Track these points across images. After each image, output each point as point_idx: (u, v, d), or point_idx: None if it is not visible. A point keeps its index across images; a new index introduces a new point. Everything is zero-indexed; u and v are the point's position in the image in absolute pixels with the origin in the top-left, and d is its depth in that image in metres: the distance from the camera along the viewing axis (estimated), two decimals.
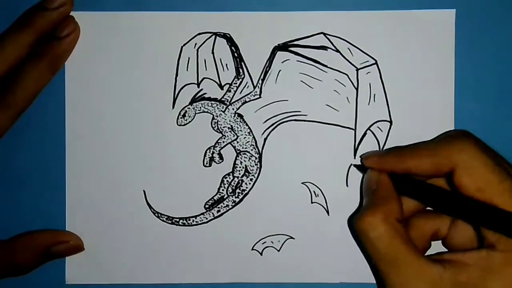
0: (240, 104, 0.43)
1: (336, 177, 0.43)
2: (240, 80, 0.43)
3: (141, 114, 0.43)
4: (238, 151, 0.43)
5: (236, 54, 0.43)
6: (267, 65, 0.43)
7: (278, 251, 0.43)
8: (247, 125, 0.43)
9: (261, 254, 0.43)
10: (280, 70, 0.43)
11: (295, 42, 0.43)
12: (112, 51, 0.43)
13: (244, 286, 0.43)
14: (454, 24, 0.43)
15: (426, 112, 0.43)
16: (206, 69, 0.43)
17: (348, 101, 0.43)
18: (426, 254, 0.39)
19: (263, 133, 0.43)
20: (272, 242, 0.43)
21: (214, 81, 0.43)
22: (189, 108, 0.43)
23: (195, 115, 0.43)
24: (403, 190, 0.38)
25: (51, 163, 0.43)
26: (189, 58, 0.43)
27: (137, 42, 0.43)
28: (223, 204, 0.43)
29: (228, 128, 0.43)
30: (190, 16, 0.43)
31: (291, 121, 0.43)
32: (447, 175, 0.36)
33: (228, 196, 0.43)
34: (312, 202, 0.43)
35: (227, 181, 0.43)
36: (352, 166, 0.43)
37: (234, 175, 0.43)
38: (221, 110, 0.43)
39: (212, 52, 0.43)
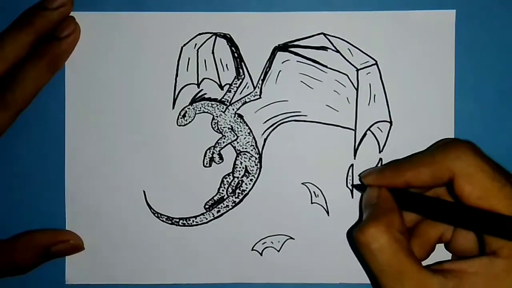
0: (240, 104, 0.43)
1: (336, 178, 0.43)
2: (240, 80, 0.43)
3: (141, 114, 0.43)
4: (238, 152, 0.43)
5: (236, 55, 0.43)
6: (267, 65, 0.43)
7: (278, 251, 0.43)
8: (247, 125, 0.43)
9: (261, 254, 0.43)
10: (280, 71, 0.43)
11: (295, 43, 0.43)
12: (112, 51, 0.43)
13: (244, 286, 0.43)
14: (454, 25, 0.43)
15: (426, 113, 0.43)
16: (206, 70, 0.43)
17: (348, 101, 0.43)
18: (430, 257, 0.39)
19: (263, 134, 0.43)
20: (272, 242, 0.43)
21: (214, 81, 0.43)
22: (189, 108, 0.43)
23: (195, 115, 0.43)
24: (403, 204, 0.38)
25: (51, 163, 0.43)
26: (189, 59, 0.43)
27: (137, 42, 0.43)
28: (223, 204, 0.43)
29: (228, 128, 0.43)
30: (190, 16, 0.43)
31: (291, 121, 0.43)
32: (447, 184, 0.36)
33: (228, 196, 0.43)
34: (312, 203, 0.43)
35: (227, 181, 0.43)
36: (352, 166, 0.43)
37: (234, 175, 0.43)
38: (221, 111, 0.43)
39: (212, 53, 0.43)
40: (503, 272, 0.33)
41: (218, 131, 0.43)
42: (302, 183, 0.43)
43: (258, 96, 0.43)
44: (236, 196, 0.43)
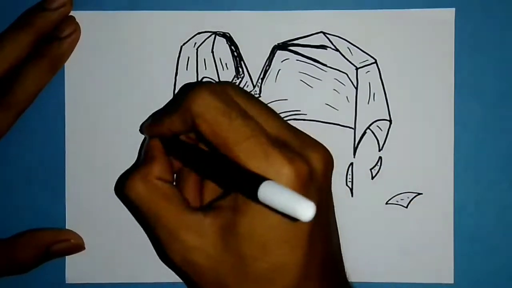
0: None
1: (336, 176, 0.43)
2: (240, 79, 0.43)
3: (141, 113, 0.43)
4: None
5: (235, 53, 0.43)
6: (266, 64, 0.43)
7: None
8: None
9: None
10: (279, 69, 0.43)
11: (295, 41, 0.43)
12: (111, 50, 0.43)
13: None
14: (454, 23, 0.43)
15: (426, 111, 0.43)
16: (205, 69, 0.43)
17: (348, 100, 0.43)
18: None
19: None
20: None
21: (214, 80, 0.43)
22: None
23: None
24: (171, 152, 0.38)
25: (51, 163, 0.43)
26: (188, 58, 0.43)
27: (136, 41, 0.43)
28: None
29: None
30: (189, 15, 0.43)
31: (290, 120, 0.43)
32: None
33: None
34: None
35: None
36: (352, 165, 0.43)
37: None
38: None
39: (212, 51, 0.43)
40: (243, 204, 0.33)
41: None
42: None
43: (257, 95, 0.43)
44: None
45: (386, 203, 0.43)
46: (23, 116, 0.42)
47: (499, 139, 0.43)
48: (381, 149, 0.43)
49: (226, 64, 0.43)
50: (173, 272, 0.43)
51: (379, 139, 0.43)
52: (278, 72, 0.43)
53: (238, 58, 0.43)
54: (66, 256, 0.43)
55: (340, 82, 0.43)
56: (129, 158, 0.43)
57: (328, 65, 0.43)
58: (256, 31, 0.43)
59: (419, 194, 0.43)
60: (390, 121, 0.43)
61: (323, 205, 0.36)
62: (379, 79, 0.43)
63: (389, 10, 0.43)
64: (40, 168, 0.43)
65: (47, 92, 0.43)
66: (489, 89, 0.43)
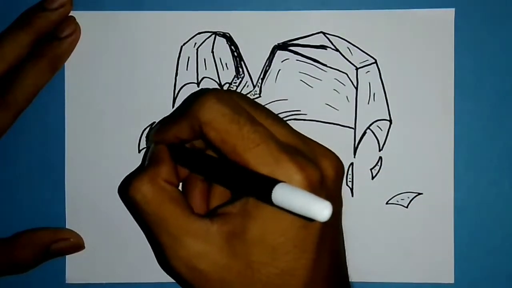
0: None
1: None
2: (240, 79, 0.43)
3: (141, 113, 0.43)
4: None
5: (235, 54, 0.43)
6: (266, 64, 0.43)
7: None
8: None
9: None
10: (279, 70, 0.43)
11: (295, 42, 0.43)
12: (111, 50, 0.43)
13: None
14: (454, 23, 0.43)
15: (426, 111, 0.43)
16: (206, 69, 0.43)
17: (348, 100, 0.43)
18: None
19: None
20: None
21: (214, 80, 0.43)
22: None
23: None
24: (178, 160, 0.38)
25: (51, 163, 0.43)
26: (189, 58, 0.43)
27: (136, 42, 0.43)
28: None
29: None
30: (189, 15, 0.43)
31: (290, 120, 0.43)
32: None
33: None
34: None
35: None
36: (352, 165, 0.43)
37: None
38: None
39: (212, 52, 0.43)
40: (254, 209, 0.33)
41: None
42: None
43: (257, 95, 0.43)
44: None
45: (386, 203, 0.43)
46: (23, 116, 0.42)
47: (499, 139, 0.43)
48: (381, 149, 0.43)
49: (226, 64, 0.43)
50: None
51: (379, 139, 0.43)
52: (278, 72, 0.43)
53: (238, 58, 0.43)
54: (66, 256, 0.43)
55: (340, 82, 0.43)
56: (129, 158, 0.43)
57: (328, 65, 0.43)
58: (256, 31, 0.43)
59: (419, 194, 0.43)
60: (390, 121, 0.43)
61: (333, 211, 0.36)
62: (379, 79, 0.43)
63: (389, 10, 0.43)
64: (40, 168, 0.43)
65: (47, 92, 0.43)
66: (489, 89, 0.43)
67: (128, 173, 0.43)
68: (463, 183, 0.43)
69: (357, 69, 0.43)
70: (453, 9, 0.43)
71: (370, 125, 0.43)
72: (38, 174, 0.43)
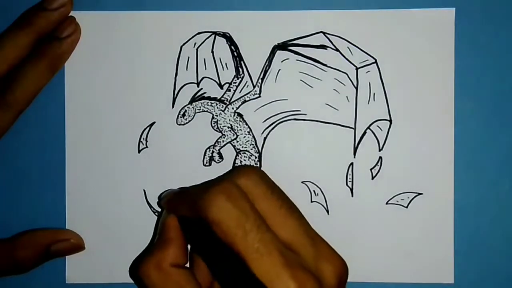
0: (239, 103, 0.43)
1: (336, 176, 0.43)
2: (240, 79, 0.43)
3: (141, 113, 0.43)
4: (238, 150, 0.43)
5: (235, 53, 0.43)
6: (266, 64, 0.43)
7: None
8: (246, 124, 0.43)
9: None
10: (279, 69, 0.43)
11: (295, 41, 0.43)
12: (111, 50, 0.43)
13: None
14: (454, 23, 0.43)
15: (426, 111, 0.43)
16: (205, 69, 0.43)
17: (348, 100, 0.43)
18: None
19: (262, 132, 0.43)
20: None
21: (214, 80, 0.43)
22: (188, 107, 0.43)
23: (195, 114, 0.43)
24: (187, 233, 0.37)
25: (51, 163, 0.43)
26: (188, 58, 0.43)
27: (136, 42, 0.43)
28: None
29: (228, 127, 0.43)
30: (189, 15, 0.43)
31: (290, 120, 0.43)
32: None
33: None
34: (311, 201, 0.43)
35: None
36: (352, 165, 0.43)
37: None
38: (221, 110, 0.43)
39: (212, 51, 0.43)
40: None
41: (218, 130, 0.43)
42: (302, 182, 0.43)
43: (257, 95, 0.43)
44: None
45: (386, 203, 0.43)
46: (23, 116, 0.42)
47: (499, 139, 0.43)
48: (381, 149, 0.43)
49: (226, 64, 0.43)
50: None
51: (379, 139, 0.43)
52: (278, 72, 0.43)
53: (238, 58, 0.43)
54: (66, 256, 0.43)
55: (340, 82, 0.43)
56: (129, 158, 0.43)
57: (328, 65, 0.43)
58: (256, 31, 0.43)
59: (419, 194, 0.43)
60: (390, 121, 0.43)
61: None
62: (379, 79, 0.43)
63: (389, 10, 0.43)
64: (40, 168, 0.43)
65: (47, 92, 0.43)
66: (489, 89, 0.43)
67: (128, 173, 0.43)
68: (463, 183, 0.43)
69: (357, 69, 0.43)
70: (453, 9, 0.43)
71: (370, 125, 0.43)
72: (38, 174, 0.43)
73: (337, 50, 0.43)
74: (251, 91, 0.43)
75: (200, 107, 0.43)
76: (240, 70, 0.43)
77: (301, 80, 0.43)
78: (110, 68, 0.43)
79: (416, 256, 0.43)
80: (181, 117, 0.43)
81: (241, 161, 0.43)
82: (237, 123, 0.43)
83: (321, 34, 0.43)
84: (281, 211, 0.35)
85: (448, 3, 0.43)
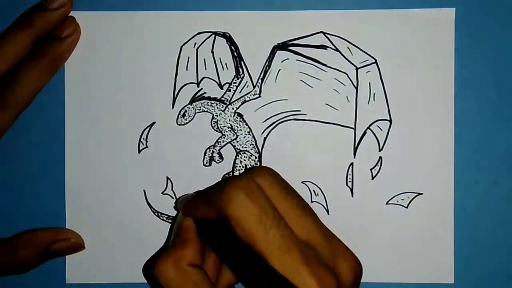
0: (239, 103, 0.43)
1: (336, 176, 0.43)
2: (240, 79, 0.43)
3: (141, 113, 0.43)
4: (238, 151, 0.43)
5: (235, 54, 0.43)
6: (266, 64, 0.43)
7: None
8: (246, 124, 0.43)
9: None
10: (279, 69, 0.43)
11: (295, 42, 0.43)
12: (111, 50, 0.43)
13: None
14: (454, 23, 0.43)
15: (426, 111, 0.43)
16: (205, 69, 0.43)
17: (348, 100, 0.43)
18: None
19: (262, 132, 0.43)
20: None
21: (214, 80, 0.43)
22: (189, 107, 0.43)
23: (195, 114, 0.43)
24: (203, 236, 0.37)
25: (51, 163, 0.43)
26: (188, 58, 0.43)
27: (136, 42, 0.43)
28: None
29: (228, 127, 0.43)
30: (189, 15, 0.43)
31: (290, 120, 0.43)
32: None
33: None
34: (312, 201, 0.43)
35: None
36: (352, 165, 0.43)
37: (234, 174, 0.43)
38: (221, 110, 0.43)
39: (212, 52, 0.43)
40: None
41: (218, 130, 0.43)
42: (302, 182, 0.43)
43: (257, 95, 0.43)
44: None
45: (387, 203, 0.43)
46: (23, 116, 0.42)
47: (499, 139, 0.43)
48: (381, 149, 0.43)
49: (226, 64, 0.43)
50: None
51: (379, 139, 0.43)
52: (278, 72, 0.43)
53: (238, 58, 0.43)
54: (66, 256, 0.43)
55: (340, 82, 0.43)
56: (129, 158, 0.43)
57: (328, 65, 0.43)
58: (256, 31, 0.43)
59: (419, 194, 0.43)
60: (390, 121, 0.43)
61: None
62: (379, 79, 0.43)
63: (389, 10, 0.43)
64: (40, 168, 0.43)
65: (47, 92, 0.43)
66: (489, 89, 0.43)
67: (128, 173, 0.43)
68: (463, 183, 0.43)
69: (357, 69, 0.43)
70: (454, 9, 0.43)
71: (370, 125, 0.43)
72: (38, 174, 0.43)
73: (337, 50, 0.43)
74: (251, 91, 0.43)
75: (200, 107, 0.43)
76: (240, 70, 0.43)
77: (301, 80, 0.43)
78: (110, 68, 0.43)
79: (416, 256, 0.43)
80: (181, 117, 0.43)
81: (241, 161, 0.43)
82: (237, 123, 0.43)
83: (321, 34, 0.43)
84: (296, 210, 0.35)
85: (448, 3, 0.43)
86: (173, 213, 0.43)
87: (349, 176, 0.43)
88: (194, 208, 0.37)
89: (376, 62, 0.43)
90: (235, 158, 0.43)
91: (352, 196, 0.43)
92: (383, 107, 0.43)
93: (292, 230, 0.34)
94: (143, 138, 0.43)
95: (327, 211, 0.43)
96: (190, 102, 0.43)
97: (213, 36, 0.43)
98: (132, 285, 0.43)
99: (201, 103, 0.43)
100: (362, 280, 0.43)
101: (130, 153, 0.43)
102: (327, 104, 0.43)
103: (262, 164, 0.43)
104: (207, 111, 0.43)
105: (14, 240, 0.42)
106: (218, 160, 0.43)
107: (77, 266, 0.43)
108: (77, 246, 0.43)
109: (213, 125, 0.43)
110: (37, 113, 0.43)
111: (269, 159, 0.43)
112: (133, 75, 0.43)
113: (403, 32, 0.43)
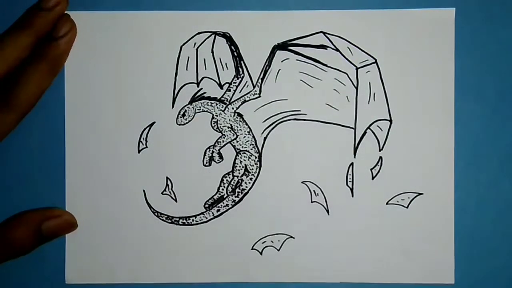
0: (239, 103, 0.43)
1: (336, 176, 0.43)
2: (240, 79, 0.43)
3: (141, 113, 0.43)
4: (237, 150, 0.43)
5: (235, 53, 0.43)
6: (266, 64, 0.43)
7: (278, 250, 0.43)
8: (246, 124, 0.43)
9: (261, 253, 0.43)
10: (279, 69, 0.43)
11: (295, 41, 0.43)
12: (111, 50, 0.43)
13: (244, 286, 0.43)
14: (454, 23, 0.43)
15: (426, 111, 0.43)
16: (205, 69, 0.43)
17: (348, 100, 0.43)
18: None
19: (262, 132, 0.43)
20: (272, 241, 0.43)
21: (214, 80, 0.43)
22: (188, 107, 0.43)
23: (194, 114, 0.43)
24: None
25: (51, 163, 0.43)
26: (188, 58, 0.43)
27: (136, 42, 0.43)
28: (223, 203, 0.43)
29: (228, 127, 0.43)
30: (189, 15, 0.43)
31: (290, 120, 0.43)
32: None
33: (228, 195, 0.43)
34: (312, 202, 0.43)
35: (227, 180, 0.43)
36: (352, 165, 0.43)
37: (234, 174, 0.43)
38: (221, 110, 0.43)
39: (212, 51, 0.43)
40: None
41: (218, 130, 0.43)
42: (302, 182, 0.43)
43: (257, 95, 0.43)
44: (236, 195, 0.43)
45: (387, 203, 0.43)
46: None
47: (499, 139, 0.43)
48: (382, 149, 0.43)
49: (226, 64, 0.43)
50: (173, 273, 0.43)
51: (379, 139, 0.43)
52: (278, 72, 0.43)
53: (238, 58, 0.43)
54: (66, 256, 0.43)
55: (340, 82, 0.43)
56: (129, 158, 0.43)
57: (328, 65, 0.43)
58: (256, 31, 0.43)
59: (419, 194, 0.43)
60: (391, 121, 0.43)
61: None
62: (379, 79, 0.43)
63: (389, 10, 0.43)
64: (40, 168, 0.43)
65: (47, 92, 0.43)
66: (489, 89, 0.43)
67: (128, 173, 0.43)
68: (463, 183, 0.43)
69: (357, 69, 0.43)
70: (454, 9, 0.43)
71: (370, 125, 0.43)
72: (38, 174, 0.43)
73: (337, 50, 0.43)
74: (251, 91, 0.43)
75: (200, 107, 0.43)
76: (240, 70, 0.43)
77: (301, 80, 0.43)
78: (110, 68, 0.43)
79: (416, 257, 0.43)
80: (181, 117, 0.43)
81: (241, 161, 0.43)
82: (237, 123, 0.43)
83: (321, 34, 0.43)
84: None
85: (448, 3, 0.43)
86: (173, 213, 0.43)
87: (349, 176, 0.43)
88: None
89: (376, 62, 0.43)
90: (235, 158, 0.43)
91: (352, 196, 0.43)
92: (383, 107, 0.43)
93: None
94: (143, 138, 0.43)
95: (327, 211, 0.43)
96: (190, 102, 0.43)
97: (213, 36, 0.43)
98: (132, 285, 0.43)
99: (201, 103, 0.43)
100: (363, 280, 0.43)
101: (130, 153, 0.43)
102: (327, 104, 0.43)
103: (262, 164, 0.43)
104: (207, 111, 0.43)
105: (6, 223, 0.42)
106: (218, 160, 0.43)
107: (77, 266, 0.43)
108: (69, 223, 0.43)
109: (213, 125, 0.43)
110: (37, 113, 0.43)
111: (269, 159, 0.43)
112: (133, 75, 0.43)
113: (403, 32, 0.43)
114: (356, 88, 0.43)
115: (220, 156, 0.43)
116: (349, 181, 0.43)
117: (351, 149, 0.43)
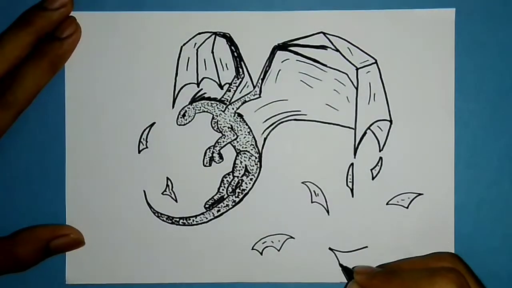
0: (240, 103, 0.43)
1: (336, 177, 0.43)
2: (240, 79, 0.43)
3: (141, 113, 0.43)
4: (238, 151, 0.43)
5: (235, 54, 0.43)
6: (267, 64, 0.43)
7: (278, 250, 0.43)
8: (247, 124, 0.43)
9: (261, 253, 0.43)
10: (280, 70, 0.43)
11: (295, 42, 0.43)
12: (111, 51, 0.43)
13: (244, 286, 0.43)
14: (454, 23, 0.43)
15: (426, 111, 0.43)
16: (206, 69, 0.43)
17: (348, 100, 0.43)
18: None
19: (263, 133, 0.43)
20: (272, 241, 0.43)
21: (214, 80, 0.43)
22: (189, 107, 0.43)
23: (195, 114, 0.43)
24: None
25: (52, 163, 0.43)
26: (189, 58, 0.43)
27: (136, 42, 0.43)
28: (223, 203, 0.43)
29: (228, 127, 0.43)
30: (189, 16, 0.43)
31: (291, 120, 0.43)
32: None
33: (228, 195, 0.43)
34: (312, 202, 0.43)
35: (227, 180, 0.43)
36: (352, 165, 0.43)
37: (234, 174, 0.43)
38: (221, 110, 0.43)
39: (212, 52, 0.43)
40: None
41: (218, 131, 0.43)
42: (302, 182, 0.43)
43: (257, 95, 0.43)
44: (236, 195, 0.43)
45: (387, 204, 0.43)
46: (23, 116, 0.42)
47: (499, 139, 0.43)
48: (382, 149, 0.43)
49: (226, 64, 0.43)
50: (173, 273, 0.43)
51: (379, 139, 0.43)
52: (278, 73, 0.43)
53: (238, 58, 0.43)
54: (66, 257, 0.43)
55: (340, 82, 0.43)
56: (129, 158, 0.43)
57: (328, 65, 0.43)
58: (256, 32, 0.43)
59: (419, 194, 0.43)
60: (391, 121, 0.43)
61: None
62: (379, 79, 0.43)
63: (389, 10, 0.43)
64: (40, 168, 0.43)
65: (47, 92, 0.43)
66: (489, 89, 0.43)
67: (128, 174, 0.43)
68: (463, 183, 0.43)
69: (357, 69, 0.43)
70: (454, 9, 0.43)
71: (371, 125, 0.43)
72: (38, 174, 0.43)
73: (337, 50, 0.43)
74: (251, 92, 0.43)
75: (200, 107, 0.43)
76: (240, 70, 0.43)
77: (301, 80, 0.43)
78: (110, 68, 0.43)
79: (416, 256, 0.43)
80: (181, 117, 0.43)
81: (241, 162, 0.43)
82: (237, 124, 0.43)
83: (321, 34, 0.43)
84: None
85: (448, 3, 0.43)
86: (173, 213, 0.43)
87: (349, 177, 0.43)
88: (379, 285, 0.39)
89: (376, 62, 0.43)
90: (235, 159, 0.43)
91: (353, 196, 0.43)
92: (383, 107, 0.43)
93: None
94: (143, 139, 0.43)
95: (327, 211, 0.43)
96: (190, 102, 0.43)
97: (213, 36, 0.43)
98: (132, 285, 0.43)
99: (201, 103, 0.43)
100: None
101: (130, 153, 0.43)
102: (327, 104, 0.43)
103: (262, 165, 0.43)
104: (207, 111, 0.43)
105: (14, 237, 0.42)
106: (218, 160, 0.43)
107: (77, 266, 0.44)
108: (77, 242, 0.43)
109: (213, 125, 0.43)
110: (37, 113, 0.43)
111: (269, 160, 0.43)
112: (133, 75, 0.43)
113: (403, 32, 0.43)
114: (356, 88, 0.43)
115: (220, 157, 0.43)
116: (349, 182, 0.43)
117: (351, 150, 0.43)
